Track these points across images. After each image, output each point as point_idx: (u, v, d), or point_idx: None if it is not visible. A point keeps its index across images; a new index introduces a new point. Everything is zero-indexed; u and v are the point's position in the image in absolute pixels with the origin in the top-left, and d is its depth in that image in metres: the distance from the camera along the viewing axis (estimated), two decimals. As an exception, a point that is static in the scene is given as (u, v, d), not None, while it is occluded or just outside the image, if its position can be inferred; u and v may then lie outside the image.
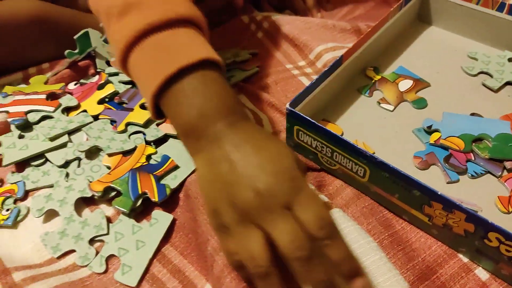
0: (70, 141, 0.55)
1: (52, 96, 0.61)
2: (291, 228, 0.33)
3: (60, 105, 0.59)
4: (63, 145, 0.55)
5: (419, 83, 0.60)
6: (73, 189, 0.50)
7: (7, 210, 0.49)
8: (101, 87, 0.62)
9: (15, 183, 0.52)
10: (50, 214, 0.49)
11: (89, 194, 0.49)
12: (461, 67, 0.62)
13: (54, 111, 0.58)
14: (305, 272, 0.33)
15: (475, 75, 0.61)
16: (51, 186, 0.51)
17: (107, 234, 0.47)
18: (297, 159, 0.37)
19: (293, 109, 0.49)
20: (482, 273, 0.43)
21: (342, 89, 0.60)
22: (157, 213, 0.48)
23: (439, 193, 0.40)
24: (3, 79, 0.65)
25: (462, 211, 0.40)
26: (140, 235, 0.46)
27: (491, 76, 0.60)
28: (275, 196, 0.34)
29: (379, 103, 0.58)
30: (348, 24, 0.70)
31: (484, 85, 0.60)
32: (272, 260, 0.34)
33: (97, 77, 0.64)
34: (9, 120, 0.57)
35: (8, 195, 0.51)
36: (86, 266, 0.45)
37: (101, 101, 0.60)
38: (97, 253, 0.45)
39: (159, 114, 0.42)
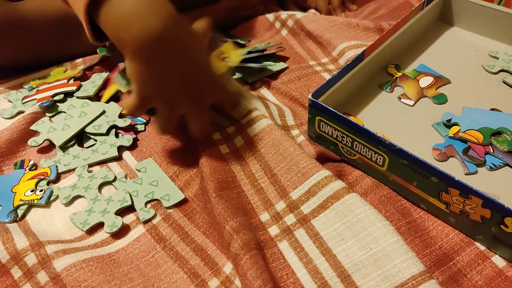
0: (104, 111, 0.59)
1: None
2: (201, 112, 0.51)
3: (81, 85, 0.63)
4: (101, 114, 0.59)
5: (440, 80, 0.61)
6: (96, 177, 0.53)
7: (41, 190, 0.52)
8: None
9: (48, 167, 0.55)
10: (78, 198, 0.52)
11: (110, 178, 0.52)
12: (482, 65, 0.63)
13: (76, 91, 0.63)
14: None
15: (495, 73, 0.62)
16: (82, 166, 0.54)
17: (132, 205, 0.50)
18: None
19: (315, 100, 0.50)
20: (498, 261, 0.43)
21: (363, 85, 0.61)
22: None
23: (456, 178, 0.41)
24: (38, 73, 0.70)
25: (479, 196, 0.40)
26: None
27: (511, 74, 0.61)
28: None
29: (400, 99, 0.59)
30: (372, 23, 0.72)
31: (504, 82, 0.60)
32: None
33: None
34: (37, 104, 0.60)
35: (42, 177, 0.53)
36: (114, 232, 0.47)
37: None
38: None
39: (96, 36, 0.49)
